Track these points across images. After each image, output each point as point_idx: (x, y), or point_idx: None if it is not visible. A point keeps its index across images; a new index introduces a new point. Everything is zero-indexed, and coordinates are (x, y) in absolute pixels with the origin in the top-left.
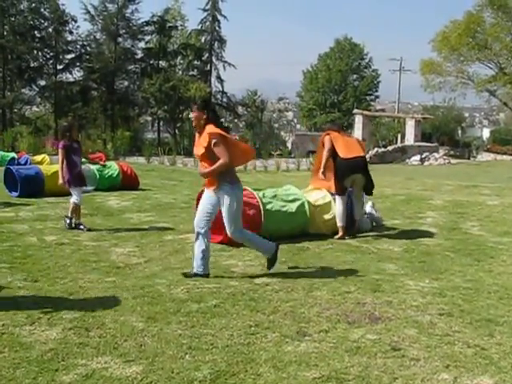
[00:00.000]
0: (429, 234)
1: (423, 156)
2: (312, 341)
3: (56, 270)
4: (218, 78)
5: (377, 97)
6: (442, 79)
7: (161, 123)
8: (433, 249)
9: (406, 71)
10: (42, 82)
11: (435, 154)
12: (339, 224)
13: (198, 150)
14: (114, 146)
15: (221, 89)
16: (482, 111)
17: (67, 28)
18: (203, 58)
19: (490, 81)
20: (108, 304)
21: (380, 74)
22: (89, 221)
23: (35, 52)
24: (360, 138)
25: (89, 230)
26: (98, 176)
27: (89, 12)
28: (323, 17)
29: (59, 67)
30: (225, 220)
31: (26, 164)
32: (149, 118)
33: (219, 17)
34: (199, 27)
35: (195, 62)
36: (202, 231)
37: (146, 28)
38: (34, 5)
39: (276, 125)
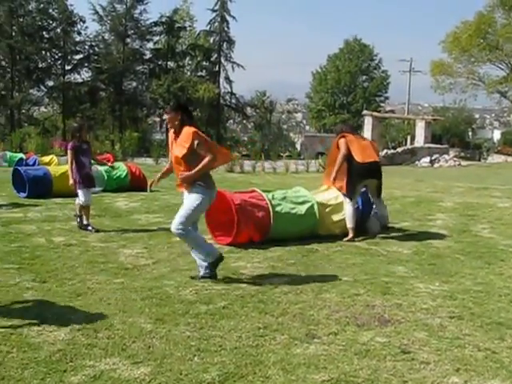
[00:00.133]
0: (439, 237)
1: (433, 158)
2: (321, 343)
3: (64, 271)
4: (227, 78)
5: (386, 98)
6: (452, 80)
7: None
8: (443, 251)
9: (416, 72)
10: (50, 83)
11: (445, 156)
12: (349, 226)
13: (179, 150)
14: (122, 146)
15: (229, 90)
16: (492, 112)
17: (75, 28)
18: (212, 59)
19: (501, 82)
20: (116, 305)
21: (390, 75)
22: (97, 222)
23: (43, 52)
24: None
25: (97, 231)
26: (105, 177)
27: (97, 12)
28: (333, 17)
29: (67, 68)
30: (179, 213)
31: (34, 165)
32: (157, 119)
33: (228, 17)
34: (208, 28)
35: (204, 63)
36: (184, 232)
37: (155, 28)
38: (42, 5)
39: (285, 126)
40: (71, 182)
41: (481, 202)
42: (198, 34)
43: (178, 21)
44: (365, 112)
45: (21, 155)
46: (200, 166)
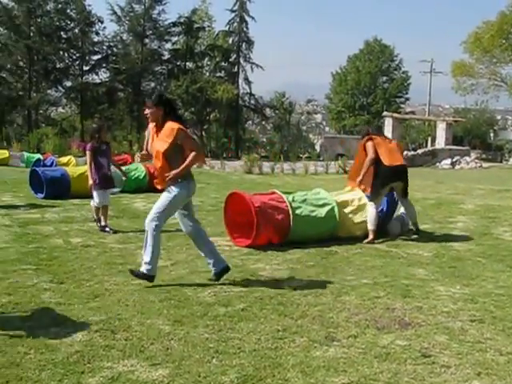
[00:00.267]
0: (459, 239)
1: (454, 159)
2: (341, 346)
3: (82, 272)
4: (246, 79)
5: (407, 99)
6: (473, 81)
7: (187, 125)
8: (463, 254)
9: (437, 73)
10: (68, 83)
11: (466, 158)
12: (370, 227)
13: (161, 145)
14: (140, 147)
15: (248, 90)
16: None
17: (93, 29)
18: (231, 60)
19: None
20: (134, 307)
21: (410, 75)
22: (115, 223)
23: (61, 53)
24: None
25: (115, 232)
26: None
27: (115, 13)
28: (353, 18)
29: (85, 68)
30: (156, 205)
31: (51, 165)
32: None
33: (247, 18)
34: (227, 28)
35: (222, 64)
36: (158, 226)
37: (173, 29)
38: (60, 6)
39: (304, 127)
40: (91, 182)
41: (502, 205)
42: (217, 35)
43: (197, 21)
44: (385, 113)
45: (38, 156)
46: (187, 162)
